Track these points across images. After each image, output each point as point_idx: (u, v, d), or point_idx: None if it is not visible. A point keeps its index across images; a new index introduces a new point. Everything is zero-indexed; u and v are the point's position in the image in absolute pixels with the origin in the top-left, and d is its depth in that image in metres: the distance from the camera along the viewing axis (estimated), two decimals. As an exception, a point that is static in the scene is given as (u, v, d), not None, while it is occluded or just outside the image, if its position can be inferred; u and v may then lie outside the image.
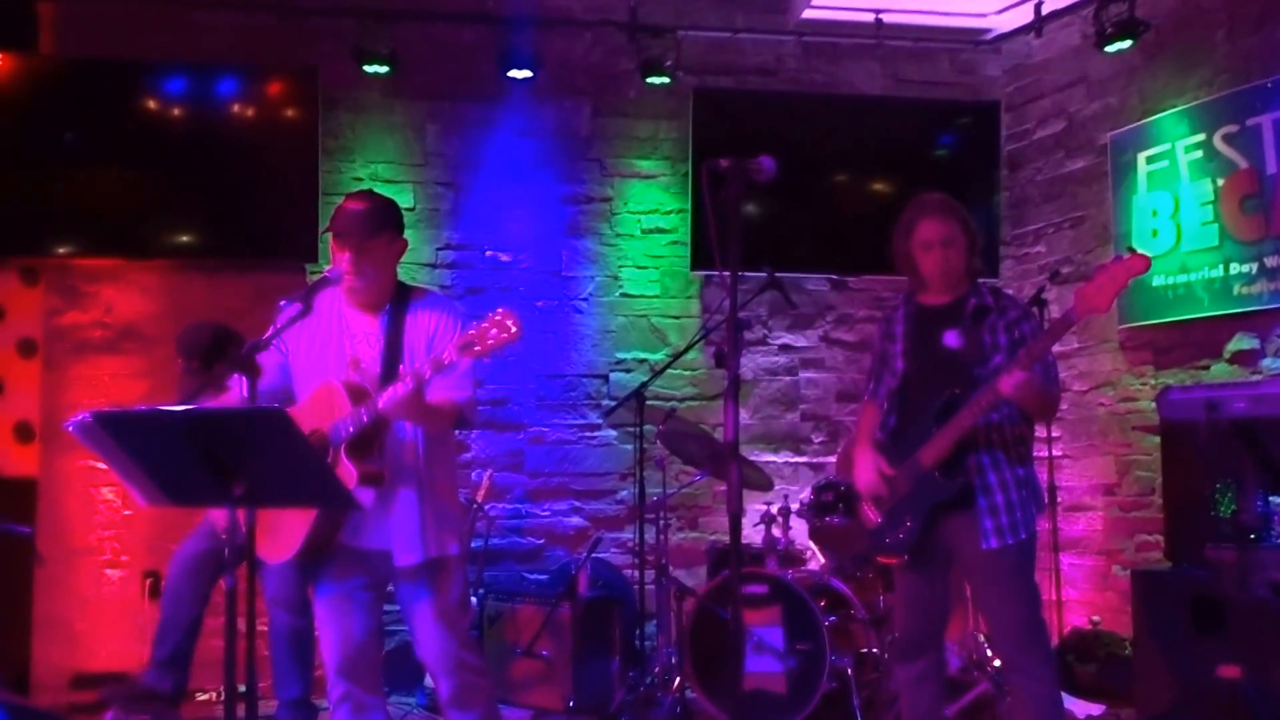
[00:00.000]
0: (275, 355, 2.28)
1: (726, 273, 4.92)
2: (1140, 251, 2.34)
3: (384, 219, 2.26)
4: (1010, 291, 4.20)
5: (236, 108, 4.22)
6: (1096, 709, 3.58)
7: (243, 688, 4.28)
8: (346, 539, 2.23)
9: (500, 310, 1.99)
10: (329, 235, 2.27)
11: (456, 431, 2.65)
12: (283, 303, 2.15)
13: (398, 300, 2.29)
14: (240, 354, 2.01)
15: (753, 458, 4.22)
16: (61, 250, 4.14)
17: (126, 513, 4.15)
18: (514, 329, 1.97)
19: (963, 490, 2.47)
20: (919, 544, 2.53)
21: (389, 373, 2.21)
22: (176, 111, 4.16)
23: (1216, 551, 2.97)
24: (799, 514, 3.69)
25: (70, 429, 1.84)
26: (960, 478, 2.47)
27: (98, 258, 4.18)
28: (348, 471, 2.12)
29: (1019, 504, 2.47)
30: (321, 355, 2.28)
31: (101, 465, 4.12)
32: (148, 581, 4.08)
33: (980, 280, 2.65)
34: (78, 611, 4.08)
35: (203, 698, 3.88)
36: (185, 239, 4.20)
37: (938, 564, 2.59)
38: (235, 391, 2.27)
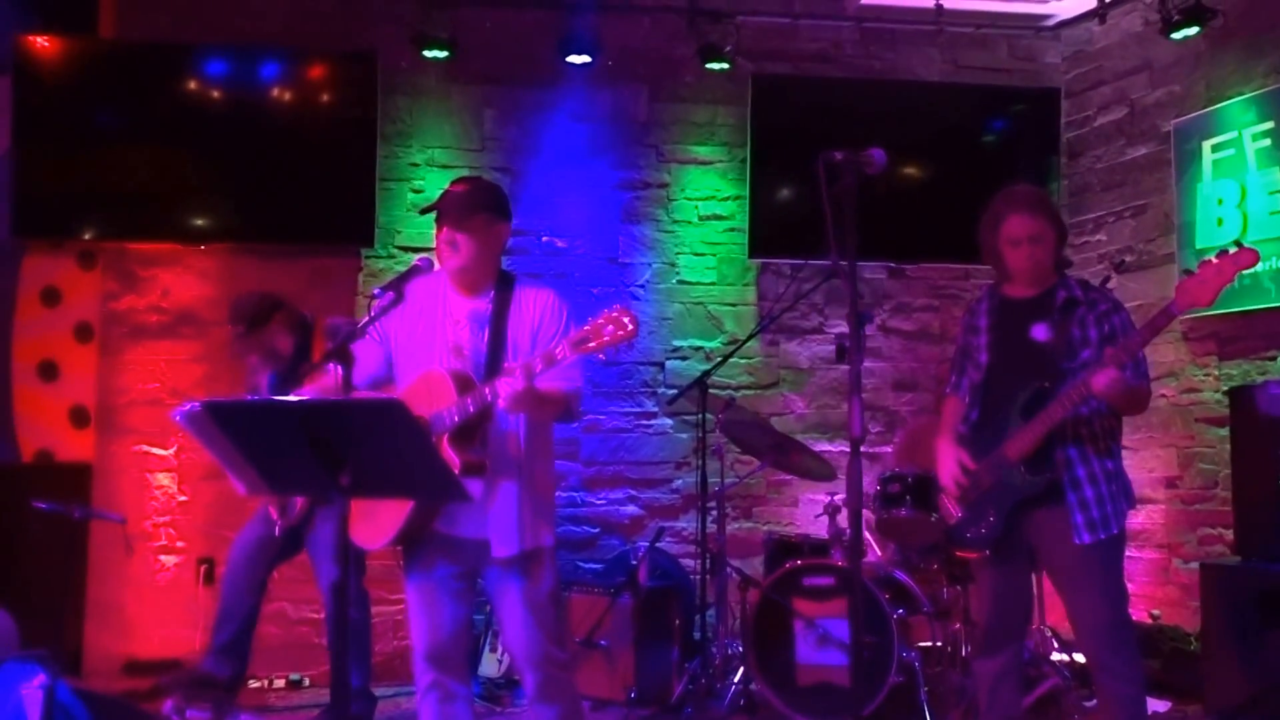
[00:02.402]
0: (372, 344, 2.26)
1: (783, 260, 4.85)
2: (1248, 245, 2.29)
3: (483, 200, 2.24)
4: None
5: (294, 92, 4.19)
6: (1162, 705, 3.54)
7: (296, 676, 4.27)
8: (442, 527, 2.20)
9: (617, 307, 1.98)
10: (411, 220, 2.24)
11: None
12: (376, 291, 2.14)
13: (501, 286, 2.26)
14: (337, 344, 2.00)
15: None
16: (119, 234, 4.12)
17: (181, 498, 4.14)
18: (630, 327, 1.96)
19: (1049, 485, 2.43)
20: (1001, 539, 2.49)
21: (493, 360, 2.18)
22: (234, 95, 4.13)
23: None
24: (864, 504, 3.64)
25: (177, 418, 1.81)
26: (1047, 473, 2.42)
27: (155, 242, 4.16)
28: (450, 460, 2.09)
29: (1109, 498, 2.43)
30: (425, 341, 2.25)
31: (157, 450, 4.13)
32: (202, 568, 4.07)
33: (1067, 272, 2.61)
34: (131, 597, 4.07)
35: (255, 685, 3.88)
36: (242, 223, 4.17)
37: (1021, 559, 2.55)
38: (332, 376, 2.24)
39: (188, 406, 1.79)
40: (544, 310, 2.24)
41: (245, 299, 3.40)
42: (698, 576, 3.73)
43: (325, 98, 4.20)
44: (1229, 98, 3.96)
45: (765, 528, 4.41)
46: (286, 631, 4.07)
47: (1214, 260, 2.27)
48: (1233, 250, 2.27)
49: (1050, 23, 4.64)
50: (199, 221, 4.16)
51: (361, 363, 2.15)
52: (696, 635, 3.79)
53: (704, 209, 4.52)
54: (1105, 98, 4.55)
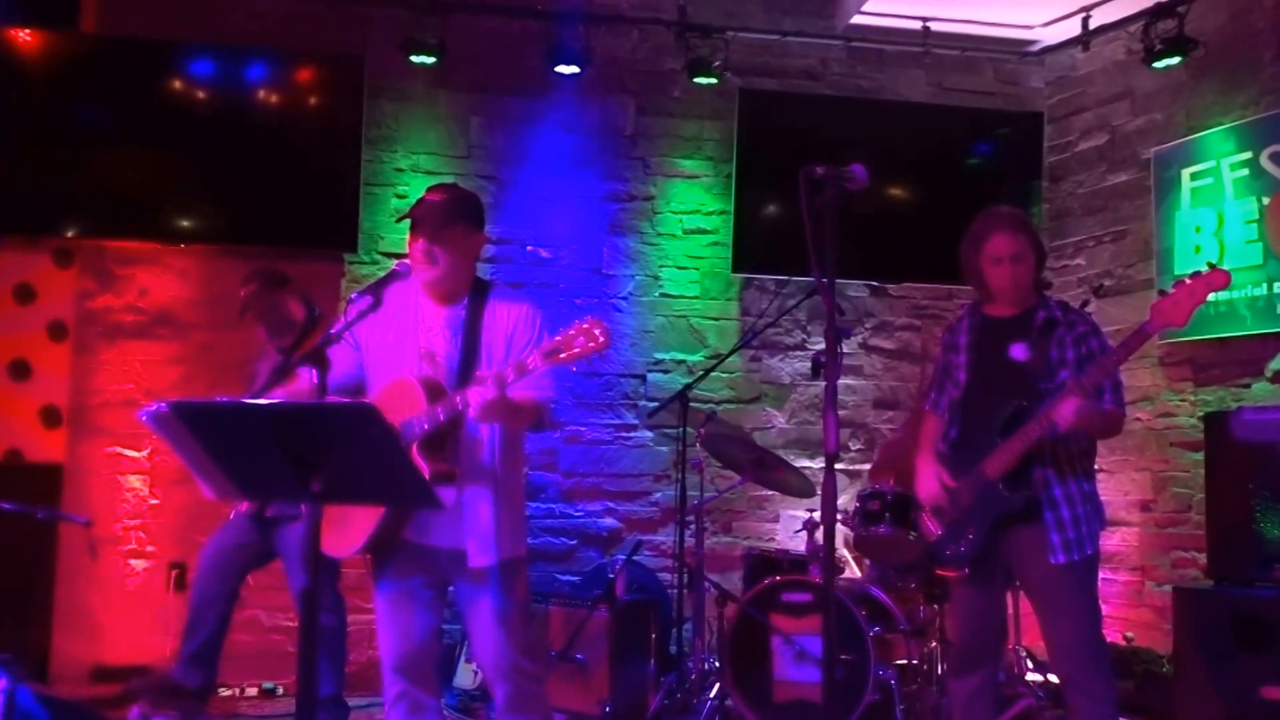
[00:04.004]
0: (347, 349, 2.23)
1: (767, 276, 4.85)
2: (1220, 267, 2.33)
3: (460, 210, 2.22)
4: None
5: (279, 93, 4.15)
6: (1135, 727, 3.57)
7: (270, 684, 4.20)
8: (412, 535, 2.18)
9: (589, 318, 1.97)
10: (395, 225, 2.23)
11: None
12: (353, 295, 2.11)
13: (475, 294, 2.25)
14: (311, 348, 1.98)
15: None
16: (96, 232, 4.06)
17: (153, 502, 4.08)
18: (601, 339, 1.95)
19: (1027, 504, 2.45)
20: (980, 557, 2.50)
21: (465, 368, 2.16)
22: (217, 95, 4.08)
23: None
24: (843, 522, 3.66)
25: (144, 418, 1.76)
26: (1025, 491, 2.44)
27: (133, 240, 4.10)
28: (419, 469, 2.06)
29: (1084, 519, 2.45)
30: (396, 348, 2.24)
31: (129, 452, 4.07)
32: (173, 573, 4.00)
33: (1047, 293, 2.63)
34: (100, 602, 4.00)
35: (226, 694, 3.82)
36: (223, 224, 4.12)
37: (998, 577, 2.56)
38: (304, 381, 2.21)
39: (154, 407, 1.74)
40: (518, 319, 2.23)
41: (261, 266, 3.42)
42: (675, 590, 3.71)
43: (311, 100, 4.16)
44: (1208, 127, 4.02)
45: (745, 543, 4.40)
46: (260, 639, 4.01)
47: (1187, 281, 2.32)
48: (1205, 271, 2.31)
49: (1035, 48, 4.70)
50: (179, 221, 4.10)
51: (336, 368, 2.12)
52: (673, 650, 3.78)
53: (689, 223, 4.53)
54: (1087, 123, 4.61)
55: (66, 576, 3.99)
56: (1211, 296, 3.82)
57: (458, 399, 2.05)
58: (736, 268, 4.45)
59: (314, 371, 1.94)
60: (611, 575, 3.72)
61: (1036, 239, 2.58)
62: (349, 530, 2.16)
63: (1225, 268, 3.81)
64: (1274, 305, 3.75)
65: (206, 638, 3.31)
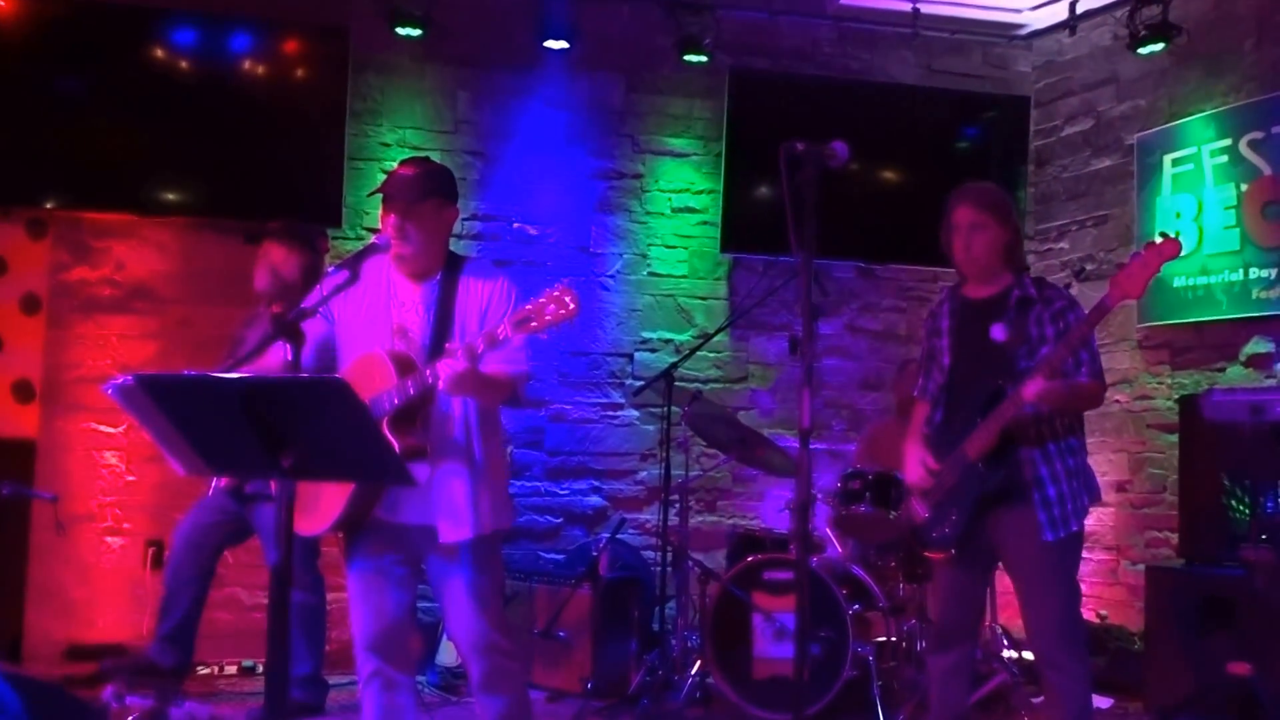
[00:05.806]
0: (321, 323, 2.19)
1: (755, 255, 4.86)
2: (1171, 235, 2.32)
3: (433, 185, 2.18)
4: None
5: (263, 64, 4.06)
6: (1105, 702, 3.64)
7: (249, 663, 4.18)
8: (383, 513, 2.16)
9: (559, 286, 1.94)
10: (379, 201, 2.20)
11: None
12: (330, 269, 2.07)
13: (449, 269, 2.21)
14: (285, 322, 1.92)
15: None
16: (72, 203, 3.96)
17: (130, 478, 4.02)
18: (572, 306, 1.92)
19: (1006, 481, 2.46)
20: (965, 537, 2.52)
21: (438, 343, 2.13)
22: (199, 65, 3.99)
23: (1255, 552, 3.02)
24: (824, 501, 3.69)
25: (109, 391, 1.72)
26: (1004, 469, 2.46)
27: (109, 212, 4.01)
28: (390, 444, 2.02)
29: (1070, 496, 2.46)
30: (368, 323, 2.20)
31: (105, 428, 4.01)
32: (150, 551, 3.95)
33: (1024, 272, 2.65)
34: (75, 580, 3.94)
35: (204, 671, 3.80)
36: (203, 197, 4.04)
37: (982, 559, 2.59)
38: (277, 355, 2.18)
39: (120, 379, 1.70)
40: (492, 293, 2.19)
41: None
42: (659, 569, 3.74)
43: (295, 72, 4.08)
44: (1190, 114, 4.06)
45: (729, 521, 4.43)
46: (240, 617, 3.99)
47: (1141, 253, 2.33)
48: (1158, 241, 2.32)
49: (1023, 32, 4.72)
50: (157, 193, 4.01)
51: (311, 343, 2.07)
52: (656, 628, 3.80)
53: (677, 201, 4.51)
54: (1073, 108, 4.64)
55: (40, 554, 3.92)
56: (1189, 281, 3.99)
57: (427, 372, 2.02)
58: (725, 247, 4.44)
59: (287, 346, 1.90)
60: (595, 553, 3.73)
61: (1004, 214, 2.55)
62: (320, 508, 2.14)
63: (1206, 256, 3.95)
64: (1249, 291, 3.81)
65: (182, 616, 3.27)
